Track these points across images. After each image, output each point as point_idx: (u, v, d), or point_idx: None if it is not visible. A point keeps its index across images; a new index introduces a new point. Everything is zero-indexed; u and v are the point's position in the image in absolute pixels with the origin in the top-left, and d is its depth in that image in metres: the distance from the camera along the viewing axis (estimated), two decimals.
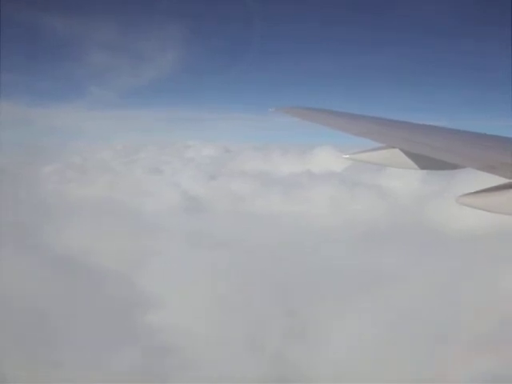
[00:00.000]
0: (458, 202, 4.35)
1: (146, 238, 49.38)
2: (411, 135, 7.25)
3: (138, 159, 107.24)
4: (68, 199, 68.57)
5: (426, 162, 6.31)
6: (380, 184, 72.01)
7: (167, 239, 49.24)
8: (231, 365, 28.74)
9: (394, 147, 6.51)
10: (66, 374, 26.59)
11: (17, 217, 53.56)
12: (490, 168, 5.00)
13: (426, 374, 27.28)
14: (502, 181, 4.47)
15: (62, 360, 28.46)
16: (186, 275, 40.24)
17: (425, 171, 6.51)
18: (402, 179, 69.07)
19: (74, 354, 28.97)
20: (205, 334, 32.20)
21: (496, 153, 5.65)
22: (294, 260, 42.87)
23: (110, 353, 29.35)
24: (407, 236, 47.88)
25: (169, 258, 43.88)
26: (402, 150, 6.41)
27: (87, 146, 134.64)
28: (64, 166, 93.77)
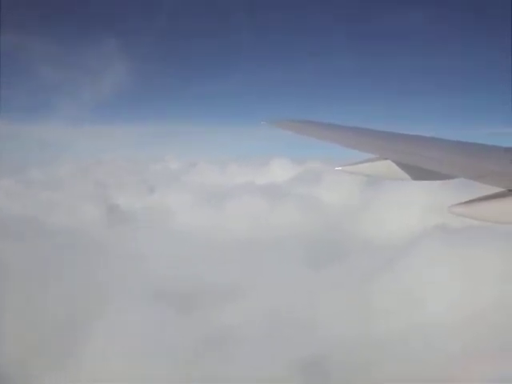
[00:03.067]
0: (449, 211, 4.36)
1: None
2: (403, 146, 7.34)
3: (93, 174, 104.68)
4: None
5: (418, 173, 6.38)
6: (320, 196, 74.02)
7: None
8: None
9: (386, 159, 6.58)
10: None
11: None
12: (481, 177, 5.07)
13: None
14: (494, 190, 4.48)
15: None
16: None
17: (416, 182, 6.65)
18: (349, 191, 71.32)
19: None
20: None
21: (486, 162, 5.75)
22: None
23: None
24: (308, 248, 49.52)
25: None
26: (394, 161, 6.48)
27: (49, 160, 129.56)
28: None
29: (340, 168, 6.79)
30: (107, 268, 43.88)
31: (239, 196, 73.59)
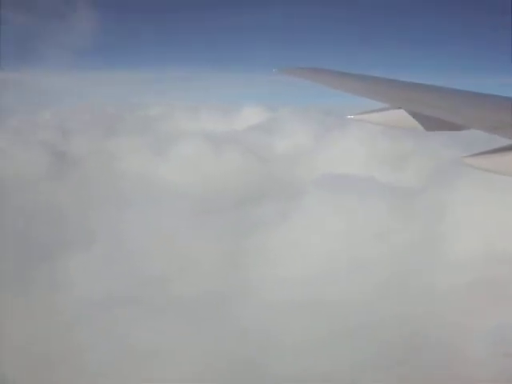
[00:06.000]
0: (463, 162, 4.41)
1: None
2: (416, 96, 7.26)
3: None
4: None
5: (431, 123, 6.36)
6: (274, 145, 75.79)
7: None
8: None
9: (399, 108, 6.50)
10: None
11: None
12: (496, 129, 5.08)
13: None
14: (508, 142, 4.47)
15: None
16: None
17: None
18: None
19: None
20: None
21: (501, 113, 5.70)
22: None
23: None
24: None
25: None
26: (407, 110, 6.41)
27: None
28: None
29: (352, 116, 6.72)
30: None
31: (184, 142, 74.62)
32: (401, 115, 6.44)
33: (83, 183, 57.88)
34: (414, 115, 6.39)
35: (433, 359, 24.99)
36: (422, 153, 60.63)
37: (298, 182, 53.59)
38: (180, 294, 31.63)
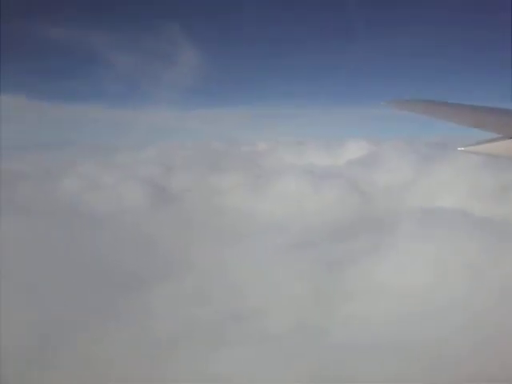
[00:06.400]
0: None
1: None
2: None
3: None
4: None
5: None
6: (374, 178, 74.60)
7: None
8: None
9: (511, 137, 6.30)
10: None
11: None
12: None
13: None
14: None
15: None
16: None
17: None
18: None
19: None
20: None
21: None
22: None
23: None
24: None
25: None
26: None
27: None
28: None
29: (463, 148, 6.54)
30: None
31: (286, 177, 75.33)
32: None
33: (182, 217, 58.99)
34: None
35: None
36: None
37: (395, 215, 51.94)
38: (270, 328, 30.81)
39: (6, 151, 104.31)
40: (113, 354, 27.50)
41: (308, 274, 38.18)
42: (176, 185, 78.22)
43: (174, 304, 33.74)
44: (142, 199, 67.04)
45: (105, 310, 32.20)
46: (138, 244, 46.59)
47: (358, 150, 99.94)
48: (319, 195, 67.03)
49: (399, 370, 24.73)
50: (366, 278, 36.32)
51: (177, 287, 36.50)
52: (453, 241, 38.21)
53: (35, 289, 33.12)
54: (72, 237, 45.76)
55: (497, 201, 55.40)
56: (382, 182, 72.49)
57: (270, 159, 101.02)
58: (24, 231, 45.01)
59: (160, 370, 26.38)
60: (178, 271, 39.68)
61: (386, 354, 25.80)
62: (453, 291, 31.25)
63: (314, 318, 32.06)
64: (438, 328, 27.32)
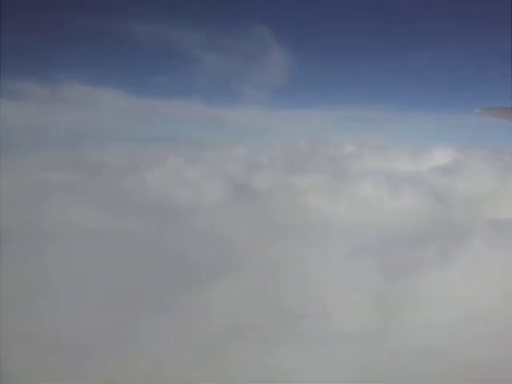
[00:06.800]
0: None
1: None
2: None
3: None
4: None
5: None
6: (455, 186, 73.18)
7: None
8: None
9: None
10: None
11: None
12: None
13: None
14: None
15: None
16: None
17: None
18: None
19: None
20: None
21: None
22: None
23: None
24: None
25: None
26: None
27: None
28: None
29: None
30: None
31: (366, 181, 75.19)
32: None
33: (259, 215, 60.10)
34: None
35: None
36: None
37: (472, 225, 50.35)
38: (329, 330, 31.15)
39: (102, 144, 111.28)
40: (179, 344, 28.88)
41: (374, 279, 38.02)
42: (259, 184, 79.22)
43: (237, 299, 34.48)
44: (223, 196, 68.57)
45: (178, 302, 33.65)
46: (215, 239, 47.92)
47: (443, 156, 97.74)
48: (397, 200, 66.69)
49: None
50: (432, 286, 35.61)
51: (245, 283, 37.18)
52: None
53: (112, 277, 35.43)
54: (151, 230, 48.14)
55: None
56: (463, 190, 70.93)
57: (354, 162, 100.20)
58: (107, 223, 48.33)
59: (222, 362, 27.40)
60: (250, 267, 40.49)
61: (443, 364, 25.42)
62: None
63: (376, 322, 31.96)
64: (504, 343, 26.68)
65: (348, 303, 34.52)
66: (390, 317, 32.71)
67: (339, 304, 34.45)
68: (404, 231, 51.22)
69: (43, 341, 26.53)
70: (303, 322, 32.41)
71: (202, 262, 40.86)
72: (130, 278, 35.82)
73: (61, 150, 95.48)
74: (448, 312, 31.32)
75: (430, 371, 25.09)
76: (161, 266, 38.46)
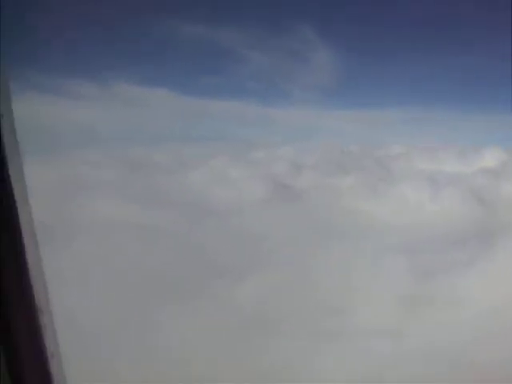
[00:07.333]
0: None
1: None
2: None
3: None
4: None
5: None
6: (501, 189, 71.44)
7: None
8: None
9: None
10: None
11: None
12: None
13: None
14: None
15: None
16: None
17: None
18: None
19: None
20: None
21: None
22: None
23: None
24: None
25: None
26: None
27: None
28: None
29: None
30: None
31: (410, 182, 74.95)
32: None
33: (299, 215, 60.33)
34: None
35: None
36: None
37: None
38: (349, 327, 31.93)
39: (151, 142, 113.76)
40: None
41: (405, 280, 38.39)
42: (301, 184, 79.33)
43: (267, 296, 35.43)
44: (263, 196, 69.11)
45: (210, 298, 34.62)
46: (251, 238, 48.46)
47: (493, 158, 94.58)
48: (440, 202, 65.95)
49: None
50: (461, 289, 35.76)
51: (278, 279, 38.06)
52: None
53: (151, 273, 36.74)
54: (189, 227, 49.45)
55: None
56: (507, 193, 68.83)
57: (400, 163, 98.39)
58: (148, 220, 49.87)
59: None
60: (284, 264, 41.31)
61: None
62: None
63: (403, 322, 32.27)
64: None
65: (384, 304, 35.01)
66: (416, 317, 32.96)
67: (374, 304, 34.86)
68: (445, 232, 51.08)
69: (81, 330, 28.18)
70: (340, 318, 33.00)
71: (236, 260, 41.69)
72: (167, 273, 37.22)
73: (110, 149, 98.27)
74: (485, 315, 31.28)
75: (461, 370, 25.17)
76: (196, 263, 39.68)
